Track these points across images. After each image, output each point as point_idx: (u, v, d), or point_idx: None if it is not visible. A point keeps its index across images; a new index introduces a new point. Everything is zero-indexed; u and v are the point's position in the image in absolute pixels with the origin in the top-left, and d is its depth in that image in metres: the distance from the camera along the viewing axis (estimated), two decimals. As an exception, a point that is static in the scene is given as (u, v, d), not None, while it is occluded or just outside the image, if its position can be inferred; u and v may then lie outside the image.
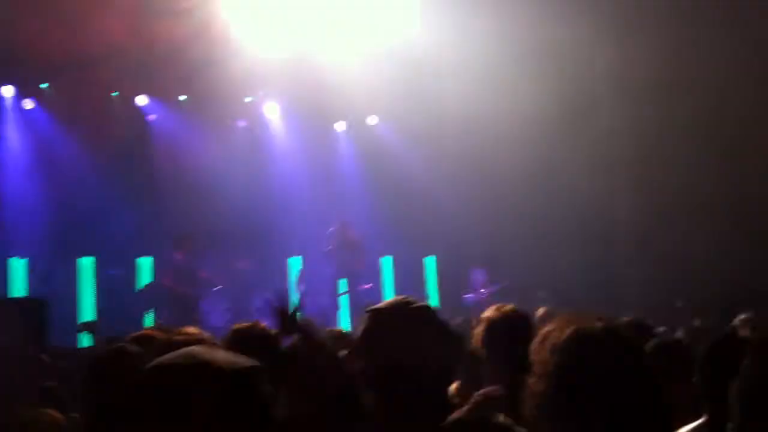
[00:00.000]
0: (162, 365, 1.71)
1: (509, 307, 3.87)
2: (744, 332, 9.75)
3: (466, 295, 12.31)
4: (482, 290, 12.29)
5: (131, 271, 11.36)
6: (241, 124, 13.02)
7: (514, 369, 2.58)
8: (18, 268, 10.74)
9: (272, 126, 13.25)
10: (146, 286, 10.81)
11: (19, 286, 10.69)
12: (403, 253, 13.20)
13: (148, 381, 1.70)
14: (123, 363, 3.03)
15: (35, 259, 10.79)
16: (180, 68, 11.33)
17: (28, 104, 11.62)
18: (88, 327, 5.90)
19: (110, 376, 2.96)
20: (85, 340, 7.46)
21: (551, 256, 12.30)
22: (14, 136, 11.49)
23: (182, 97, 12.40)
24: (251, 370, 1.74)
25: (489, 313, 3.82)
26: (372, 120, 13.73)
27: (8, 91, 11.49)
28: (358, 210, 12.78)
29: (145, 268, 11.48)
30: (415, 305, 2.50)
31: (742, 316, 10.14)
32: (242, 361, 1.76)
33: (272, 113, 13.28)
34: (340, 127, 13.75)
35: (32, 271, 10.65)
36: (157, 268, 11.12)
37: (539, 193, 12.44)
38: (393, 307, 2.53)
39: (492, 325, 3.73)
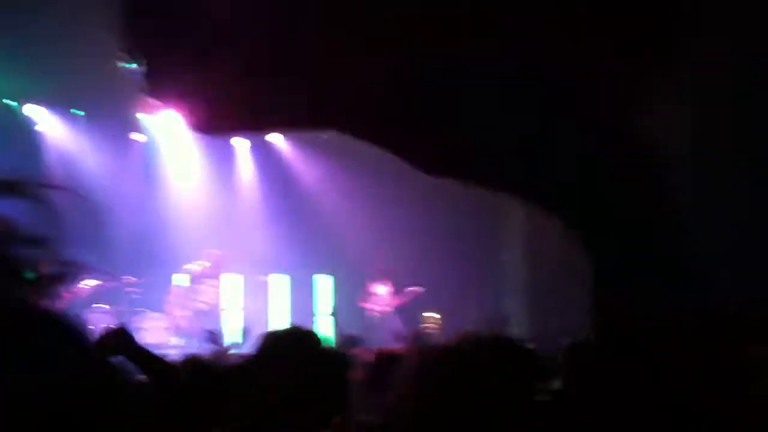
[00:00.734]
0: None
1: (386, 351, 4.09)
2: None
3: (368, 311, 11.97)
4: (386, 306, 12.04)
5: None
6: (137, 138, 12.62)
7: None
8: None
9: (169, 140, 12.86)
10: None
11: None
12: (299, 271, 13.09)
13: None
14: None
15: None
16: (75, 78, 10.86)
17: None
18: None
19: None
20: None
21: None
22: None
23: (75, 111, 11.97)
24: None
25: (367, 357, 4.03)
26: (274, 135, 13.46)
27: None
28: (254, 226, 12.69)
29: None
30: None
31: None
32: None
33: (169, 127, 12.82)
34: (241, 141, 13.47)
35: None
36: None
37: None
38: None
39: (368, 369, 3.91)
